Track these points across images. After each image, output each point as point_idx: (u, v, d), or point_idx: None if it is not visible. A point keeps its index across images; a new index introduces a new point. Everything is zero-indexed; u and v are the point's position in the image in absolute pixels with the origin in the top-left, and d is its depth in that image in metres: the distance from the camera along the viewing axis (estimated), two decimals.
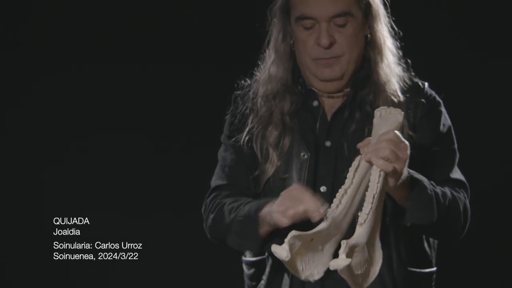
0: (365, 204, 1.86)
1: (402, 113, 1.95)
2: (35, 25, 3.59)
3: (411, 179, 1.99)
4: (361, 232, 1.84)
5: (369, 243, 1.86)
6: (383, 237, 1.93)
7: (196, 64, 3.59)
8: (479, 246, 3.41)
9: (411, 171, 2.00)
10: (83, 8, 3.57)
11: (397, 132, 1.90)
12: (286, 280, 2.17)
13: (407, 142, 1.90)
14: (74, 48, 3.58)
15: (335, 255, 1.86)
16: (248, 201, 2.15)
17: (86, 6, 3.57)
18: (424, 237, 2.22)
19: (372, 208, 1.84)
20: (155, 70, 3.61)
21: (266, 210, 2.05)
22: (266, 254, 2.21)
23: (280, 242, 1.86)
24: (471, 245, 2.95)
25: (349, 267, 1.81)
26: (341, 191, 1.88)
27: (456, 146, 2.24)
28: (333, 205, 1.87)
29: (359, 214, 1.86)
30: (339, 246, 1.82)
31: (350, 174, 1.88)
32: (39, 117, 3.61)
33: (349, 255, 1.79)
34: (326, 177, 2.09)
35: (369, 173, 1.88)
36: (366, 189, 1.87)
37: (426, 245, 2.22)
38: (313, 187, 2.09)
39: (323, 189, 2.10)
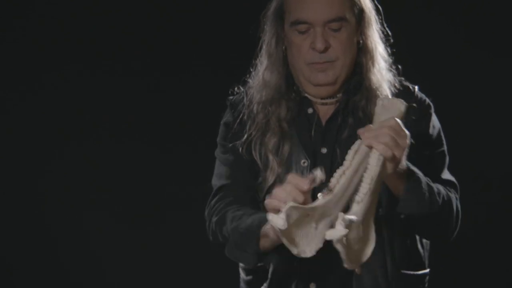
0: (362, 185, 1.86)
1: (405, 103, 1.97)
2: (28, 32, 3.62)
3: (408, 170, 2.02)
4: (358, 210, 1.84)
5: (364, 224, 1.87)
6: (377, 240, 1.92)
7: (192, 68, 3.61)
8: (471, 247, 3.42)
9: (409, 163, 2.02)
10: (83, 8, 3.60)
11: (398, 120, 1.92)
12: (289, 287, 2.17)
13: (407, 131, 1.92)
14: (74, 48, 3.60)
15: None
16: (252, 213, 2.13)
17: (86, 6, 3.60)
18: (417, 238, 2.23)
19: (370, 190, 1.85)
20: (151, 72, 3.62)
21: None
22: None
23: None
24: (462, 246, 2.96)
25: (344, 240, 1.81)
26: (339, 171, 1.88)
27: (445, 148, 2.27)
28: (331, 185, 1.87)
29: (355, 195, 1.86)
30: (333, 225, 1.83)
31: (349, 156, 1.89)
32: (39, 117, 3.62)
33: (346, 227, 1.79)
34: (323, 184, 2.11)
35: (367, 158, 1.89)
36: (364, 173, 1.88)
37: (419, 246, 2.23)
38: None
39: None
